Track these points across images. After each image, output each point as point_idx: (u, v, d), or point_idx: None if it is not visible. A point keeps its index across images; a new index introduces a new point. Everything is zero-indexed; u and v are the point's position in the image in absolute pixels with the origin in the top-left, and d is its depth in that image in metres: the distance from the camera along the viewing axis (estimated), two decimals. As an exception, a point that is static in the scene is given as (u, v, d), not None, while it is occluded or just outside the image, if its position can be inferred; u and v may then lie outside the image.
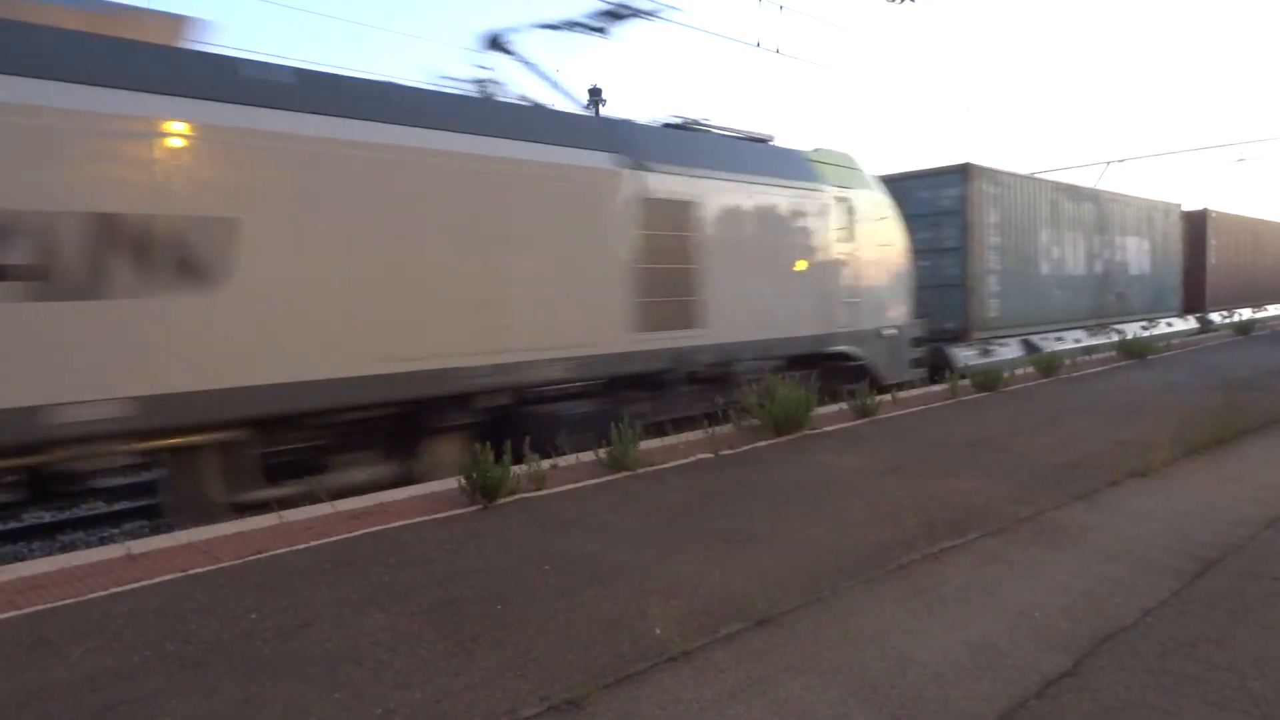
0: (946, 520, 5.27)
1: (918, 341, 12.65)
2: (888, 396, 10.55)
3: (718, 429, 8.12)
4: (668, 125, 10.09)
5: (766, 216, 10.25)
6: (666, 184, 9.08)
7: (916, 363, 12.47)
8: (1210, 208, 24.27)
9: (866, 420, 9.20)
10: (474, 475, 5.88)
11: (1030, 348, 15.71)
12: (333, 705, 3.09)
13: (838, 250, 11.14)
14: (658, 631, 3.65)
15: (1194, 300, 23.68)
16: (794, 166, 10.87)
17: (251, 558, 4.78)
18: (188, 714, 3.05)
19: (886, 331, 11.85)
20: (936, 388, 11.63)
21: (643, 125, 9.62)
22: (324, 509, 5.82)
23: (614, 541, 5.00)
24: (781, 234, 10.44)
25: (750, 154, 10.40)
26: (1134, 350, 15.28)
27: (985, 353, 14.57)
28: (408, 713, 3.03)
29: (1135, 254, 20.50)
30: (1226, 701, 3.04)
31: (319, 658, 3.48)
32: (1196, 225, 23.70)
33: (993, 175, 15.02)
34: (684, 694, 3.14)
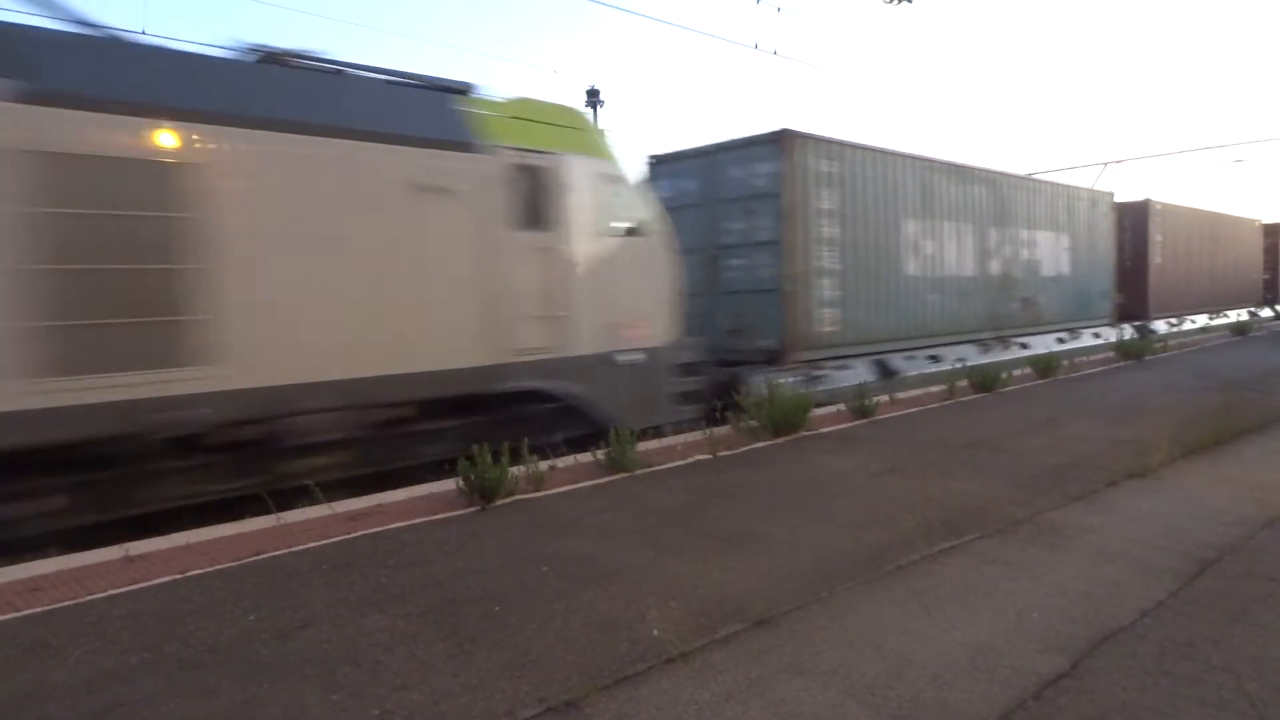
0: (944, 521, 5.28)
1: (689, 368, 9.45)
2: (885, 398, 10.52)
3: (716, 430, 8.12)
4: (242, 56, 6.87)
5: (365, 190, 6.81)
6: (122, 132, 5.73)
7: (686, 397, 9.26)
8: (1154, 199, 21.14)
9: (864, 421, 9.21)
10: (472, 476, 5.88)
11: (886, 370, 12.58)
12: (331, 706, 3.09)
13: (521, 242, 7.77)
14: (656, 633, 3.65)
15: (1135, 306, 20.63)
16: (432, 119, 7.46)
17: (250, 559, 4.79)
18: (186, 715, 3.05)
19: (625, 357, 8.66)
20: (935, 388, 11.55)
21: (76, 36, 6.10)
22: (322, 510, 5.82)
23: (612, 543, 5.00)
24: (396, 216, 6.99)
25: (345, 97, 7.08)
26: (1131, 351, 15.31)
27: (813, 379, 11.14)
28: (406, 714, 3.03)
29: (1050, 251, 17.12)
30: (1224, 702, 3.04)
31: (317, 659, 3.49)
32: (1137, 219, 20.75)
33: (826, 147, 11.61)
34: (682, 695, 3.14)
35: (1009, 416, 9.39)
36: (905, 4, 9.65)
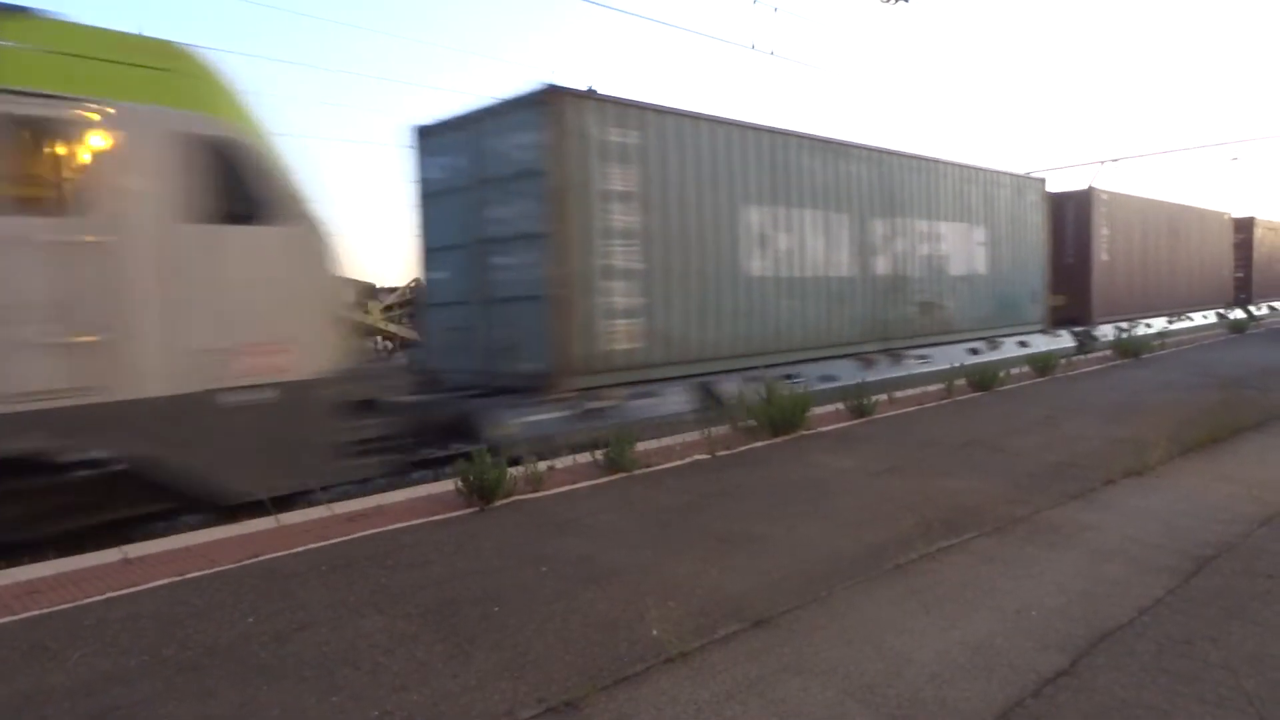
0: (943, 520, 5.28)
1: (369, 407, 7.07)
2: (883, 396, 10.49)
3: (714, 430, 8.12)
4: None
5: None
6: None
7: (363, 447, 6.92)
8: (1098, 186, 18.90)
9: (863, 420, 9.21)
10: (471, 477, 5.88)
11: (712, 396, 10.05)
12: (330, 708, 3.09)
13: (7, 230, 5.39)
14: (655, 633, 3.65)
15: (1078, 308, 18.53)
16: None
17: (248, 561, 4.78)
18: (185, 717, 3.05)
19: (238, 397, 6.15)
20: (932, 387, 11.53)
21: None
22: (321, 512, 5.82)
23: (611, 543, 5.00)
24: None
25: None
26: (1128, 349, 15.33)
27: (595, 414, 8.74)
28: (405, 715, 3.03)
29: (960, 246, 14.71)
30: (1222, 700, 3.05)
31: (316, 660, 3.48)
32: (1079, 210, 18.58)
33: (618, 112, 9.09)
34: (681, 695, 3.14)
35: (1007, 415, 9.39)
36: (902, 3, 9.48)
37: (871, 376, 11.70)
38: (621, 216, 9.11)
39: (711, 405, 9.62)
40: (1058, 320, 17.96)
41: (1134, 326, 19.73)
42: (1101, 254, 18.85)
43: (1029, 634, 3.62)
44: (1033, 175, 17.00)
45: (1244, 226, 28.39)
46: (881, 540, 4.91)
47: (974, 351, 14.71)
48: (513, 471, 6.15)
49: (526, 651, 3.53)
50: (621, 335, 9.09)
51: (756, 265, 10.83)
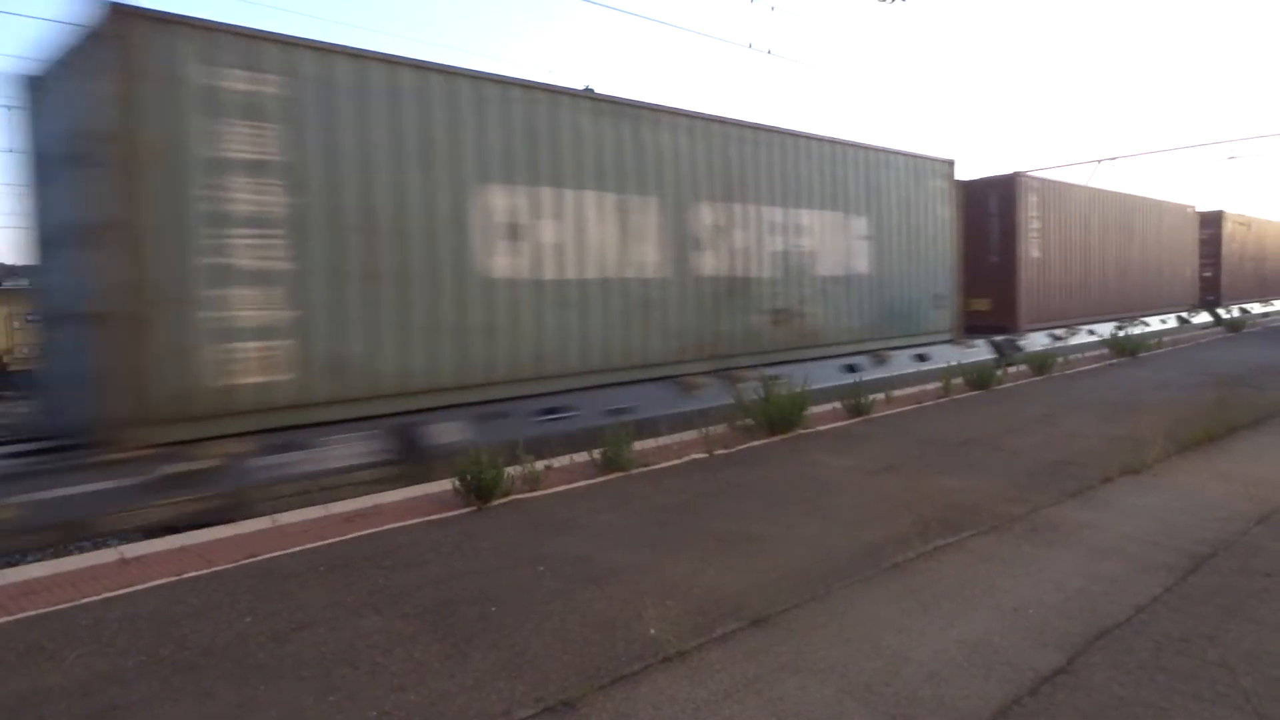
0: (940, 519, 5.28)
1: None
2: (881, 395, 10.50)
3: (712, 429, 8.12)
4: None
5: None
6: None
7: None
8: (1028, 173, 16.37)
9: (860, 419, 9.22)
10: (468, 476, 5.88)
11: (414, 448, 7.36)
12: (328, 708, 3.09)
13: None
14: (653, 632, 3.65)
15: (1004, 314, 15.94)
16: None
17: (246, 561, 4.77)
18: (182, 718, 3.05)
19: None
20: (930, 385, 11.53)
21: None
22: (318, 512, 5.81)
23: (609, 542, 5.00)
24: None
25: None
26: (1126, 348, 15.35)
27: (185, 480, 6.13)
28: (403, 715, 3.03)
29: (832, 240, 11.89)
30: (1219, 697, 3.05)
31: (314, 661, 3.48)
32: (1004, 200, 15.94)
33: (238, 46, 6.47)
34: (679, 694, 3.14)
35: (1005, 414, 9.41)
36: (899, 2, 9.36)
37: (694, 406, 9.22)
38: (251, 196, 6.50)
39: (415, 455, 7.27)
40: (978, 328, 15.29)
41: (1073, 334, 17.53)
42: (1031, 250, 16.19)
43: (1027, 632, 3.62)
44: (938, 156, 14.12)
45: (1211, 221, 25.45)
46: (879, 539, 4.91)
47: (851, 369, 11.98)
48: (510, 470, 6.15)
49: (524, 651, 3.52)
50: (252, 364, 6.48)
51: (503, 264, 8.14)
